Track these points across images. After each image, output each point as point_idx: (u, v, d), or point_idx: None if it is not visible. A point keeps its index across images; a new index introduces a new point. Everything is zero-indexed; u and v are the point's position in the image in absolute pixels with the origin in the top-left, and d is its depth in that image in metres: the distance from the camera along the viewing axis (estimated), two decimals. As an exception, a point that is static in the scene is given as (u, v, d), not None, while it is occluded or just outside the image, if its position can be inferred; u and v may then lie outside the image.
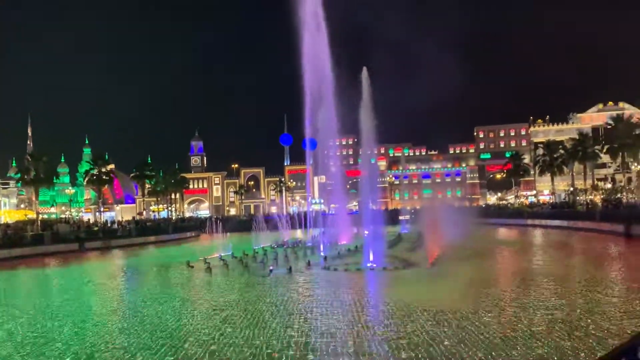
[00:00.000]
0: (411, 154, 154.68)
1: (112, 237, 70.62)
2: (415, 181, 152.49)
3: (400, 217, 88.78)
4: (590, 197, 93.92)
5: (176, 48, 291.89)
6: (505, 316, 17.79)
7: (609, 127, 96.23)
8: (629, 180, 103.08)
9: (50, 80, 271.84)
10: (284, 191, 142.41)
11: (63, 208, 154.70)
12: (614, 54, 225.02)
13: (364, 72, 43.33)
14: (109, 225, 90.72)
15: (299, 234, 66.05)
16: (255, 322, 18.09)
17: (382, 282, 27.85)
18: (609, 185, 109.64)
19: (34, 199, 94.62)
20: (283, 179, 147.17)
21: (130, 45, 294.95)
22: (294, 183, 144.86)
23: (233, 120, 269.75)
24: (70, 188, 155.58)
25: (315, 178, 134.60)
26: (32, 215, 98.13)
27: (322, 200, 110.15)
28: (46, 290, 31.94)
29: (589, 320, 16.49)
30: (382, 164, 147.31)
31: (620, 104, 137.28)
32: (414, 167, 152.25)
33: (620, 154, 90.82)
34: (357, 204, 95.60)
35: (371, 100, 41.61)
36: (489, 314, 17.97)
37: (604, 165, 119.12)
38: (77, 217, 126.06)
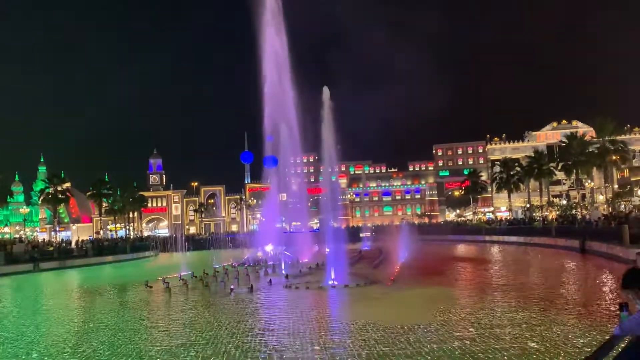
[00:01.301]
0: (371, 171, 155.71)
1: (67, 257, 68.90)
2: (375, 198, 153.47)
3: (361, 235, 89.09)
4: (545, 213, 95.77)
5: (134, 64, 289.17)
6: (457, 329, 18.04)
7: (563, 144, 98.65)
8: (583, 196, 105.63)
9: (3, 96, 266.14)
10: (244, 209, 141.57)
11: (17, 227, 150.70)
12: (568, 72, 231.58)
13: (325, 91, 43.67)
14: (64, 245, 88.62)
15: (259, 252, 65.59)
16: (212, 342, 17.84)
17: (342, 300, 27.81)
18: (564, 202, 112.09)
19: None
20: (244, 197, 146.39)
21: (86, 61, 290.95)
22: (255, 201, 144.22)
23: (193, 138, 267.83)
24: (24, 207, 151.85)
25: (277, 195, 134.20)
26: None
27: (283, 218, 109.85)
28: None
29: (535, 334, 16.76)
30: (343, 181, 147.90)
31: (574, 122, 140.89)
32: (374, 185, 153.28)
33: (575, 171, 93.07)
34: (318, 221, 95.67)
35: (332, 118, 41.91)
36: (442, 329, 18.15)
37: (559, 182, 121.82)
38: (32, 237, 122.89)
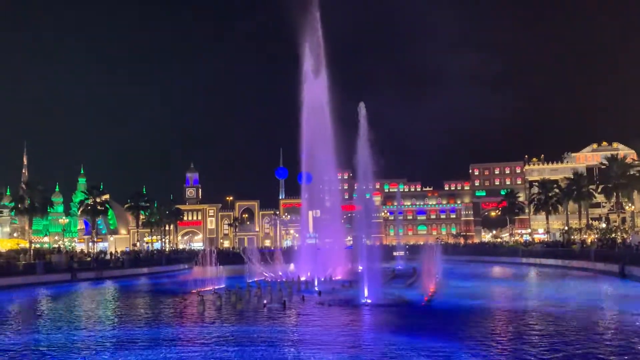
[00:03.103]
0: (406, 189, 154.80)
1: (104, 268, 70.01)
2: (410, 217, 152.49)
3: (395, 253, 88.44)
4: (584, 236, 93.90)
5: (176, 79, 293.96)
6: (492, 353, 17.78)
7: (603, 167, 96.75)
8: (623, 220, 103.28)
9: (47, 109, 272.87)
10: (278, 224, 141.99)
11: (56, 237, 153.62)
12: (609, 94, 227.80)
13: (361, 107, 43.63)
14: (102, 256, 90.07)
15: (293, 267, 65.61)
16: (247, 356, 17.90)
17: (375, 319, 27.62)
18: (603, 225, 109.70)
19: (27, 228, 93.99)
20: (277, 212, 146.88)
21: (129, 76, 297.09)
22: (289, 216, 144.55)
23: (229, 153, 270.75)
24: (64, 217, 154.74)
25: (310, 212, 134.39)
26: (24, 244, 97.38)
27: (316, 235, 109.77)
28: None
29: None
30: (377, 199, 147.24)
31: (614, 144, 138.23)
32: (409, 203, 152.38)
33: (615, 193, 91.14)
34: (351, 238, 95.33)
35: (368, 135, 41.86)
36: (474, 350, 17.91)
37: (598, 205, 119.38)
38: (70, 247, 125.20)
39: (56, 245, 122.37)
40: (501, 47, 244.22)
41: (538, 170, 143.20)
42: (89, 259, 78.34)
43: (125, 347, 20.87)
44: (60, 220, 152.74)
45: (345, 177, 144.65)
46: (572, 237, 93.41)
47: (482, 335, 21.49)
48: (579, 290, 41.15)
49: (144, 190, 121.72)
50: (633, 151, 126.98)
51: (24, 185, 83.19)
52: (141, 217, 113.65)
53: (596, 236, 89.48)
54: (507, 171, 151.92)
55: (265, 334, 22.69)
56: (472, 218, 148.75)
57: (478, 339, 20.79)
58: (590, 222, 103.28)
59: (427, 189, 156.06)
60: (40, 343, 22.51)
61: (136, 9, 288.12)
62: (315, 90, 58.16)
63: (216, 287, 41.60)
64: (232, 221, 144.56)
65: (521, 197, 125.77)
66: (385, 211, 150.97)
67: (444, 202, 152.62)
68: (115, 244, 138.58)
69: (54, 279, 58.18)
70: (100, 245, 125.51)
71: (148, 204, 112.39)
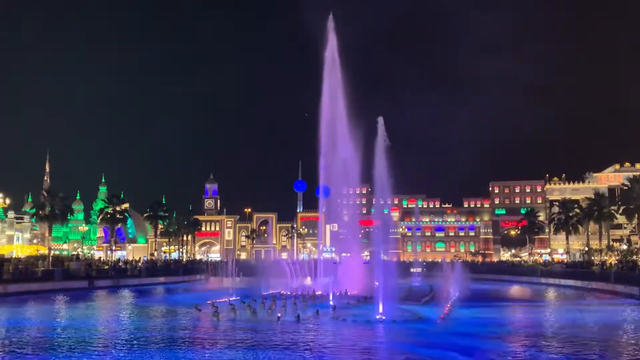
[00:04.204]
0: (425, 206, 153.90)
1: (121, 277, 70.44)
2: (428, 234, 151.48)
3: (412, 270, 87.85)
4: (605, 257, 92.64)
5: (196, 91, 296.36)
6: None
7: (625, 187, 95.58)
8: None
9: (71, 118, 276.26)
10: (295, 237, 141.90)
11: (75, 245, 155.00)
12: (632, 114, 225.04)
13: (380, 121, 43.43)
14: (120, 264, 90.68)
15: (308, 281, 65.46)
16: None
17: (389, 336, 27.36)
18: (624, 247, 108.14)
19: (47, 234, 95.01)
20: (295, 225, 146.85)
21: (150, 86, 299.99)
22: (306, 230, 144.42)
23: (249, 164, 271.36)
24: (83, 225, 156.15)
25: (328, 226, 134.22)
26: (44, 250, 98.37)
27: (333, 249, 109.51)
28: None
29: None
30: (395, 214, 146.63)
31: (637, 165, 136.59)
32: (427, 220, 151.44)
33: (636, 215, 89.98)
34: (368, 253, 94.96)
35: (386, 150, 41.67)
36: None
37: (619, 226, 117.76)
38: (89, 255, 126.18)
39: (75, 253, 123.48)
40: (534, 58, 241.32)
41: (559, 190, 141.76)
42: (106, 267, 78.88)
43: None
44: (80, 227, 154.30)
45: (364, 191, 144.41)
46: (592, 258, 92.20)
47: (497, 355, 21.20)
48: (599, 314, 40.48)
49: (164, 200, 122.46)
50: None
51: (45, 193, 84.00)
52: (160, 226, 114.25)
53: (617, 258, 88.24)
54: (528, 190, 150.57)
55: (276, 347, 22.58)
56: (492, 236, 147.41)
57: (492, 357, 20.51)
58: (611, 243, 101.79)
59: (446, 205, 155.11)
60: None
61: (159, 19, 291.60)
62: (333, 103, 58.26)
63: (231, 299, 41.55)
64: (249, 233, 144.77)
65: (541, 216, 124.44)
66: (403, 227, 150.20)
67: (463, 219, 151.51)
68: (133, 253, 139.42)
69: (71, 286, 58.62)
70: (119, 254, 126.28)
71: (167, 214, 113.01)
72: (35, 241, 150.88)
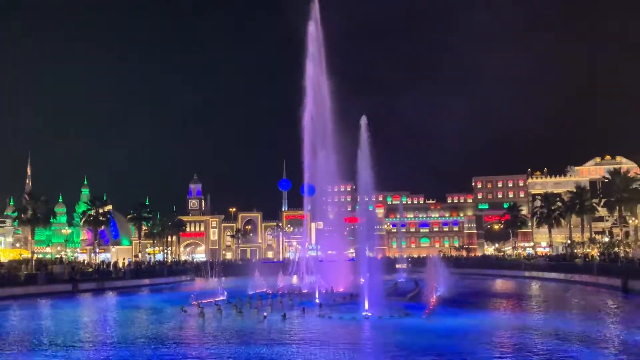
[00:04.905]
0: (409, 202, 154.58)
1: (106, 279, 69.94)
2: (412, 230, 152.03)
3: (398, 266, 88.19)
4: (587, 250, 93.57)
5: (177, 90, 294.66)
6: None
7: (606, 180, 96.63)
8: (627, 234, 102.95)
9: (51, 120, 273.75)
10: (280, 236, 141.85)
11: (59, 248, 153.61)
12: (612, 108, 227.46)
13: (363, 120, 43.65)
14: (104, 266, 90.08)
15: (294, 279, 65.50)
16: None
17: (375, 332, 27.51)
18: (606, 239, 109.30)
19: (30, 238, 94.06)
20: (280, 224, 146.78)
21: (130, 87, 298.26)
22: (292, 228, 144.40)
23: (232, 164, 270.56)
24: (66, 228, 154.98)
25: (313, 224, 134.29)
26: (27, 254, 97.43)
27: (318, 247, 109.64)
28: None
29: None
30: (380, 211, 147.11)
31: (618, 158, 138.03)
32: (411, 216, 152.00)
33: (618, 207, 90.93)
34: (354, 250, 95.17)
35: (370, 147, 41.82)
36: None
37: (601, 219, 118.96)
38: (73, 258, 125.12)
39: (58, 256, 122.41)
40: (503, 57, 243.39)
41: (541, 184, 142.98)
42: (91, 269, 78.31)
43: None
44: (63, 230, 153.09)
45: (349, 189, 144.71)
46: (575, 250, 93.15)
47: (485, 344, 21.40)
48: (582, 305, 41.02)
49: (147, 201, 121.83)
50: (636, 165, 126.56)
51: (27, 196, 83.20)
52: (144, 228, 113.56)
53: (599, 250, 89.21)
54: (510, 184, 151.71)
55: (262, 346, 22.62)
56: (475, 231, 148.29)
57: (478, 350, 20.70)
58: (593, 236, 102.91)
59: (430, 201, 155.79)
60: None
61: (134, 23, 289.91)
62: (317, 100, 58.28)
63: (217, 299, 41.49)
64: (234, 233, 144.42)
65: (524, 210, 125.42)
66: (388, 223, 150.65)
67: (447, 214, 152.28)
68: (117, 255, 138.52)
69: (55, 290, 58.09)
70: (103, 256, 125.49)
71: (151, 215, 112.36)
72: (18, 245, 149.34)
